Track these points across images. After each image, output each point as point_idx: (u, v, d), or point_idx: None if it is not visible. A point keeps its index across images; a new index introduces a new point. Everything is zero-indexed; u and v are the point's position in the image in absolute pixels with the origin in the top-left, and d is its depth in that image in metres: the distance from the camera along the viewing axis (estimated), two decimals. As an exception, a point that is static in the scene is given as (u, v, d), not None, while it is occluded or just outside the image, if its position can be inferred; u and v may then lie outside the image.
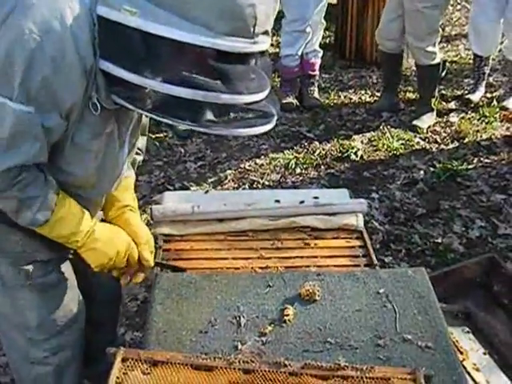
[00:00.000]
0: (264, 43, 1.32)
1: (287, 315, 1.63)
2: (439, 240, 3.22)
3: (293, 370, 1.41)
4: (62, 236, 1.58)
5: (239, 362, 1.43)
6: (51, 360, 1.83)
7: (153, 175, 3.85)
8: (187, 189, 3.65)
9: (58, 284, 1.77)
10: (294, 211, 2.32)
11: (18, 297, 1.70)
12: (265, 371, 1.41)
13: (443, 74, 4.25)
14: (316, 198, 2.40)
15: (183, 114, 1.33)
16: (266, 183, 3.76)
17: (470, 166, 3.81)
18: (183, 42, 1.23)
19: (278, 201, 2.34)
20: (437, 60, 4.12)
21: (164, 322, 1.62)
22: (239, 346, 1.56)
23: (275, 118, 1.42)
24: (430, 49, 4.05)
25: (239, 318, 1.64)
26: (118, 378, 1.40)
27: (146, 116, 1.43)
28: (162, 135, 4.24)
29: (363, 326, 1.60)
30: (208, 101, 1.28)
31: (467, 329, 2.60)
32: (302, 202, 2.37)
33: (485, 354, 2.49)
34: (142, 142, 1.87)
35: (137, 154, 1.86)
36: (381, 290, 1.70)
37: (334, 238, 2.25)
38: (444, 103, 4.58)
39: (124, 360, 1.44)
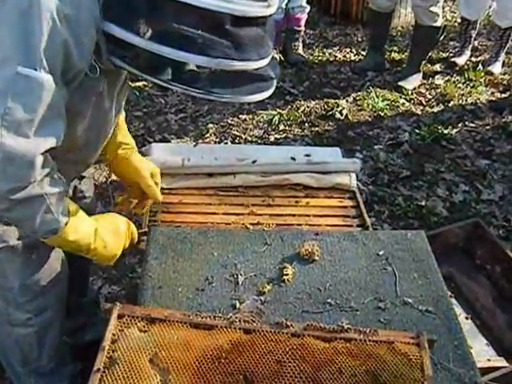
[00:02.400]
0: (275, 5, 1.27)
1: (286, 274, 1.59)
2: (423, 203, 3.21)
3: (295, 331, 1.38)
4: (77, 242, 1.49)
5: (240, 321, 1.39)
6: (33, 321, 1.77)
7: (132, 126, 3.72)
8: (168, 141, 3.56)
9: (39, 245, 1.67)
10: (286, 168, 2.27)
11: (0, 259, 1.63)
12: (266, 331, 1.38)
13: (440, 38, 4.18)
14: (308, 155, 2.35)
15: (191, 81, 1.28)
16: (249, 139, 3.70)
17: (454, 130, 3.79)
18: (199, 6, 1.17)
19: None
20: (438, 22, 4.05)
21: (159, 278, 1.57)
22: (237, 305, 1.52)
23: (275, 81, 1.38)
24: (433, 9, 3.95)
25: (237, 276, 1.59)
26: (113, 334, 1.35)
27: (151, 82, 1.36)
28: (141, 84, 4.10)
29: (363, 288, 1.57)
30: (221, 68, 1.23)
31: (449, 293, 2.61)
32: (292, 158, 2.32)
33: (467, 318, 2.51)
34: None
35: None
36: (380, 252, 1.67)
37: (327, 197, 2.22)
38: (429, 65, 4.53)
39: (120, 316, 1.38)
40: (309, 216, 2.11)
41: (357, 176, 2.32)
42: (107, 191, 3.13)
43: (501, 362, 2.24)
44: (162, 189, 2.17)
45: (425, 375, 1.31)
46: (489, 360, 2.26)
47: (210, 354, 1.32)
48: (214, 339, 1.36)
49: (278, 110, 3.99)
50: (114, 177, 3.11)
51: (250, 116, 3.91)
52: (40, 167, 1.29)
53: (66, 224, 1.43)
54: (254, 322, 1.40)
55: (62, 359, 2.04)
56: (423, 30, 4.07)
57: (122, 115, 1.81)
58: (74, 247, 1.51)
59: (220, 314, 1.43)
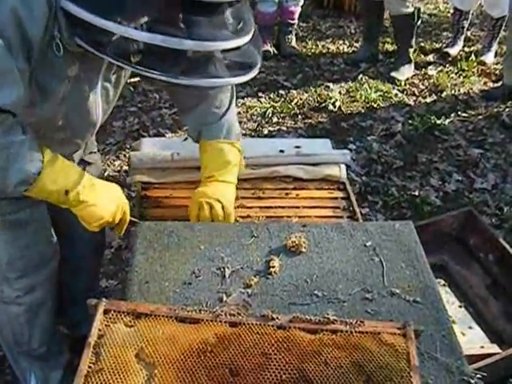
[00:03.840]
0: None
1: (273, 267, 1.58)
2: (416, 193, 3.22)
3: (281, 323, 1.37)
4: (58, 191, 1.48)
5: (225, 314, 1.38)
6: (23, 300, 1.81)
7: (127, 121, 3.74)
8: (162, 135, 3.57)
9: (29, 222, 1.71)
10: (275, 160, 2.26)
11: None
12: (252, 324, 1.37)
13: (418, 22, 4.17)
14: (298, 147, 2.34)
15: (148, 62, 1.26)
16: (243, 132, 3.68)
17: (447, 120, 3.80)
18: None
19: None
20: (410, 9, 4.05)
21: (146, 273, 1.56)
22: (224, 298, 1.51)
23: (257, 67, 1.38)
24: None
25: (223, 269, 1.58)
26: (99, 330, 1.34)
27: (110, 62, 1.36)
28: (136, 80, 4.09)
29: (350, 279, 1.56)
30: (169, 46, 1.21)
31: (443, 282, 2.63)
32: (281, 151, 2.31)
33: (460, 306, 2.53)
34: None
35: None
36: (368, 243, 1.66)
37: (317, 189, 2.21)
38: (422, 56, 4.53)
39: (106, 312, 1.38)
40: (299, 208, 2.10)
41: (348, 167, 2.32)
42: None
43: (494, 349, 2.26)
44: (151, 183, 2.18)
45: (411, 365, 1.30)
46: (482, 347, 2.28)
47: (196, 348, 1.32)
48: (200, 333, 1.35)
49: (271, 102, 4.00)
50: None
51: (244, 109, 3.92)
52: None
53: (39, 174, 1.41)
54: (239, 315, 1.39)
55: (58, 347, 2.05)
56: (398, 19, 4.10)
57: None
58: (57, 197, 1.49)
59: (206, 308, 1.43)
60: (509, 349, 2.22)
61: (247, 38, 1.32)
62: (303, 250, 1.63)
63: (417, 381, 1.28)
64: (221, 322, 1.37)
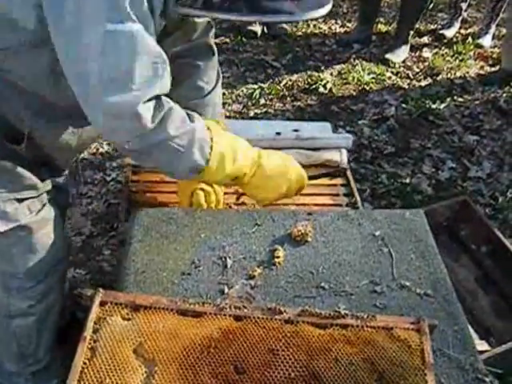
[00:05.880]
0: None
1: (277, 257, 1.50)
2: (407, 180, 3.13)
3: (288, 317, 1.30)
4: (227, 174, 1.53)
5: (230, 307, 1.31)
6: (34, 309, 1.69)
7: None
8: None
9: (47, 222, 1.62)
10: (273, 144, 2.16)
11: (3, 243, 1.55)
12: (258, 318, 1.30)
13: (430, 6, 4.08)
14: (296, 130, 2.25)
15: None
16: (227, 114, 3.57)
17: (442, 105, 3.71)
18: None
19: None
20: None
21: (143, 262, 1.47)
22: (226, 290, 1.42)
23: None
24: None
25: (225, 258, 1.50)
26: (95, 323, 1.26)
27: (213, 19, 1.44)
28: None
29: (358, 271, 1.49)
30: None
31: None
32: (278, 133, 2.22)
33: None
34: None
35: None
36: (376, 233, 1.59)
37: (315, 175, 2.12)
38: (417, 37, 4.43)
39: (102, 304, 1.29)
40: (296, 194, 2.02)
41: (349, 152, 2.23)
42: (77, 168, 3.02)
43: (483, 346, 2.20)
44: (141, 166, 2.08)
45: (425, 363, 1.24)
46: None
47: (199, 344, 1.24)
48: (203, 327, 1.27)
49: (258, 83, 3.88)
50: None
51: (229, 90, 3.78)
52: (148, 115, 1.30)
53: (208, 161, 1.46)
54: (244, 308, 1.31)
55: (53, 355, 1.94)
56: (411, 1, 3.96)
57: None
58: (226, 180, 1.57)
59: (208, 300, 1.35)
60: (498, 346, 2.17)
61: None
62: (309, 239, 1.55)
63: (431, 379, 1.22)
64: (225, 315, 1.30)
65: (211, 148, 1.46)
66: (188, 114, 1.44)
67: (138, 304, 1.30)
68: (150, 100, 1.30)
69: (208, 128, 1.49)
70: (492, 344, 2.23)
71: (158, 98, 1.33)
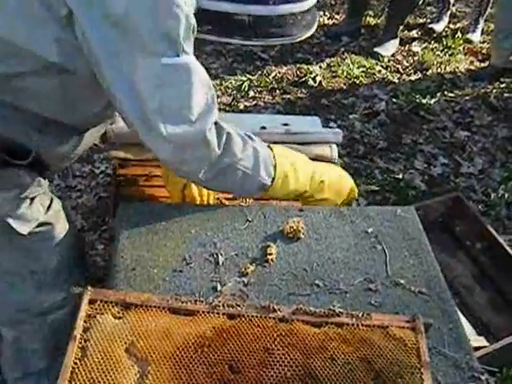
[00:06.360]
0: None
1: (270, 254, 1.48)
2: (400, 176, 3.12)
3: (283, 315, 1.28)
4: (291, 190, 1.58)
5: (223, 305, 1.28)
6: (67, 300, 1.64)
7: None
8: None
9: (59, 214, 1.59)
10: (262, 139, 2.12)
11: (26, 244, 1.51)
12: (252, 316, 1.27)
13: (420, 1, 4.06)
14: (286, 124, 2.22)
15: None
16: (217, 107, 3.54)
17: (433, 100, 3.69)
18: None
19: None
20: None
21: (132, 259, 1.44)
22: (218, 287, 1.40)
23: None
24: None
25: (217, 255, 1.47)
26: (85, 322, 1.23)
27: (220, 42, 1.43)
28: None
29: (352, 269, 1.47)
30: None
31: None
32: (263, 127, 2.18)
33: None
34: None
35: None
36: (369, 230, 1.57)
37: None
38: (406, 31, 4.40)
39: (92, 302, 1.26)
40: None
41: (338, 147, 2.20)
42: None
43: (480, 342, 2.20)
44: (129, 160, 2.04)
45: (421, 361, 1.23)
46: (469, 340, 2.22)
47: (192, 343, 1.21)
48: (196, 326, 1.25)
49: (247, 75, 3.84)
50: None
51: (218, 81, 3.74)
52: (215, 141, 1.35)
53: (273, 179, 1.51)
54: (238, 306, 1.29)
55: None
56: None
57: None
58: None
59: (201, 298, 1.32)
60: (496, 342, 2.17)
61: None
62: (301, 236, 1.53)
63: (428, 378, 1.21)
64: (218, 313, 1.27)
65: (275, 167, 1.51)
66: (245, 135, 1.49)
67: (129, 302, 1.27)
68: (211, 125, 1.34)
69: (268, 146, 1.55)
70: (490, 340, 2.23)
71: (216, 123, 1.36)
